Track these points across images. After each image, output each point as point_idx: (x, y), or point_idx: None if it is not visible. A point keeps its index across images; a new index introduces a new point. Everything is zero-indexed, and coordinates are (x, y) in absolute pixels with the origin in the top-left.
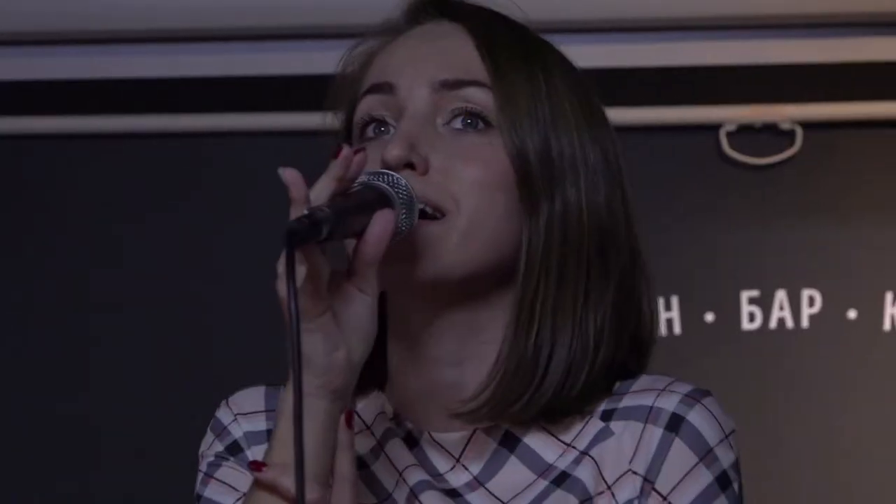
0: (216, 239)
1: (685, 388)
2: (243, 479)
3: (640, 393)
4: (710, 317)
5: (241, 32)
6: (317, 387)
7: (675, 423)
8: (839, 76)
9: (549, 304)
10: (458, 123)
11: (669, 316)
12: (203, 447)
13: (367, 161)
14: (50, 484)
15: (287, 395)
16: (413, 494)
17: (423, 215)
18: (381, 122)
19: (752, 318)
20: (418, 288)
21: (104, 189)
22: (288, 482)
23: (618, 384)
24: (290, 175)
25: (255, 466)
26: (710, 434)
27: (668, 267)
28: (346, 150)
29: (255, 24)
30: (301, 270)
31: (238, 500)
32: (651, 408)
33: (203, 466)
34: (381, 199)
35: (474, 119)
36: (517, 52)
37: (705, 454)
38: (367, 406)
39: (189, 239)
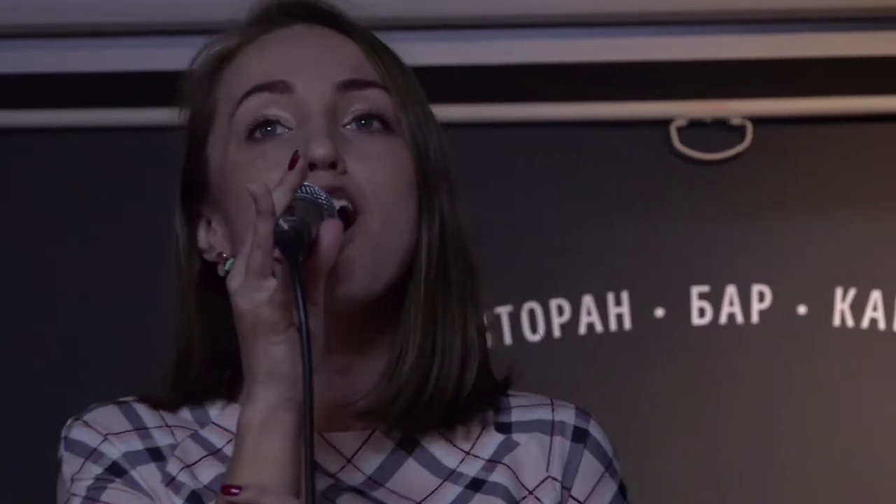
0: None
1: (570, 403)
2: (134, 501)
3: (530, 408)
4: (660, 312)
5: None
6: (285, 400)
7: (580, 436)
8: (789, 72)
9: (441, 306)
10: (356, 125)
11: (619, 311)
12: (69, 471)
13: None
14: (28, 483)
15: (250, 410)
16: (326, 498)
17: (343, 214)
18: (273, 124)
19: (702, 313)
20: (341, 302)
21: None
22: (271, 501)
23: (501, 398)
24: (258, 188)
25: (227, 490)
26: (608, 446)
27: (618, 262)
28: (302, 161)
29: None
30: (271, 284)
31: None
32: (553, 421)
33: (79, 490)
34: (316, 210)
35: (373, 121)
36: (393, 56)
37: (608, 465)
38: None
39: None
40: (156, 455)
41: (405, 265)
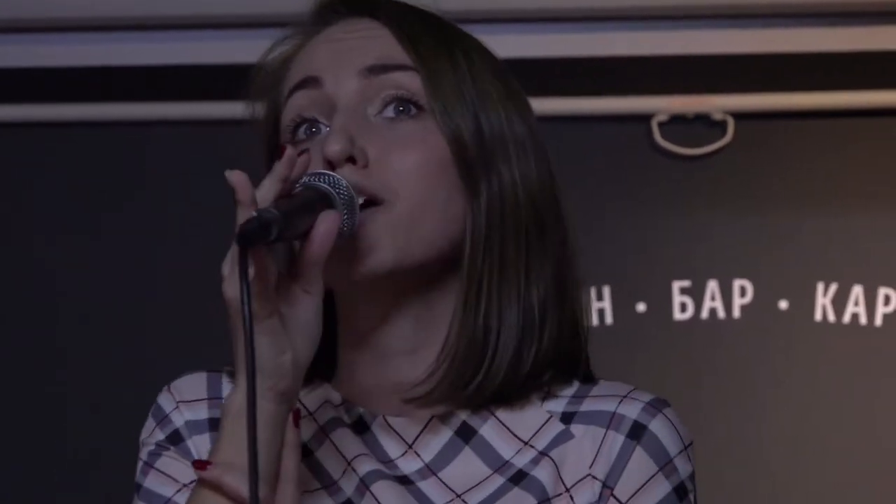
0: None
1: (647, 396)
2: (183, 470)
3: (601, 398)
4: (641, 307)
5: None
6: (265, 389)
7: (637, 432)
8: (771, 67)
9: (495, 283)
10: (390, 112)
11: (601, 306)
12: (144, 434)
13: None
14: (26, 484)
15: (234, 395)
16: (364, 484)
17: (365, 207)
18: (311, 122)
19: (683, 308)
20: (367, 283)
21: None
22: (232, 481)
23: (577, 385)
24: (236, 177)
25: (199, 465)
26: (671, 444)
27: (600, 257)
28: (289, 151)
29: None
30: (249, 273)
31: (178, 491)
32: (614, 414)
33: (143, 455)
34: (323, 200)
35: (406, 105)
36: (435, 38)
37: (665, 464)
38: (310, 396)
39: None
40: (214, 425)
41: (449, 246)
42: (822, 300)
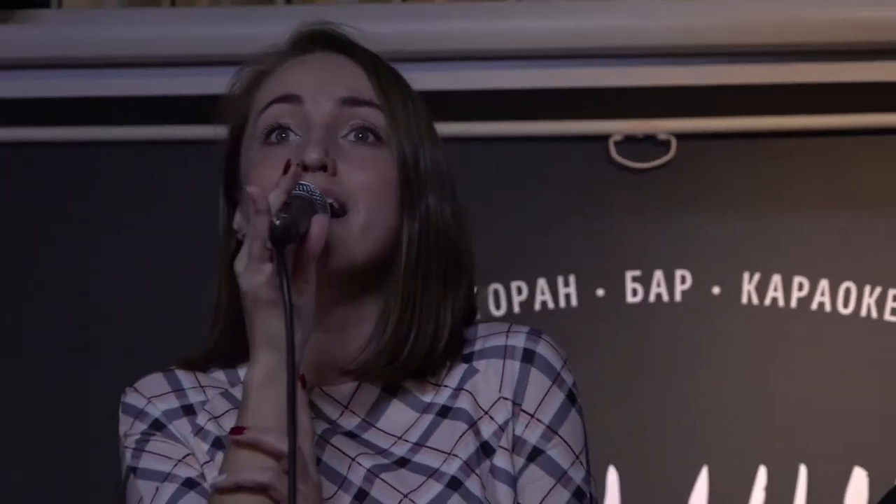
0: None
1: (524, 328)
2: (174, 449)
3: (489, 336)
4: (600, 292)
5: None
6: (281, 362)
7: (528, 356)
8: (706, 96)
9: (420, 288)
10: (353, 137)
11: (567, 291)
12: (123, 428)
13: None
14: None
15: (253, 370)
16: (323, 439)
17: (332, 211)
18: (284, 130)
19: (634, 293)
20: (331, 275)
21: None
22: (269, 439)
23: (468, 329)
24: (254, 191)
25: (237, 431)
26: (556, 362)
27: (566, 251)
28: (294, 168)
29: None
30: (267, 269)
31: (175, 465)
32: (505, 346)
33: (130, 444)
34: (311, 206)
35: (367, 134)
36: (394, 80)
37: (555, 378)
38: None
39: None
40: (188, 411)
41: (389, 250)
42: (748, 286)
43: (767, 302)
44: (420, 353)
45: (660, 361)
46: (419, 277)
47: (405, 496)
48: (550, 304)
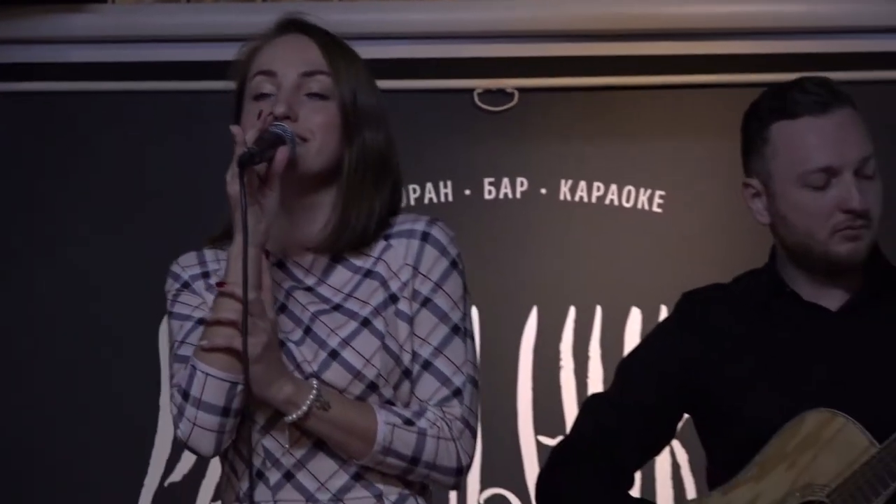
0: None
1: (427, 217)
2: (194, 299)
3: (404, 222)
4: (467, 192)
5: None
6: (255, 243)
7: (426, 237)
8: (539, 63)
9: (358, 190)
10: (310, 95)
11: (446, 191)
12: (167, 287)
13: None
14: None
15: (233, 246)
16: (288, 293)
17: (297, 141)
18: (264, 94)
19: (490, 192)
20: (297, 179)
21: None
22: (238, 290)
23: (392, 219)
24: (235, 129)
25: (220, 284)
26: (444, 240)
27: (447, 168)
28: (265, 114)
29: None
30: (245, 182)
31: (193, 310)
32: (412, 230)
33: (170, 296)
34: (279, 139)
35: (318, 93)
36: (340, 51)
37: (443, 251)
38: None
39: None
40: (206, 275)
41: (336, 165)
42: (564, 189)
43: (576, 199)
44: (357, 233)
45: (505, 237)
46: (357, 182)
47: (332, 330)
48: (435, 200)
